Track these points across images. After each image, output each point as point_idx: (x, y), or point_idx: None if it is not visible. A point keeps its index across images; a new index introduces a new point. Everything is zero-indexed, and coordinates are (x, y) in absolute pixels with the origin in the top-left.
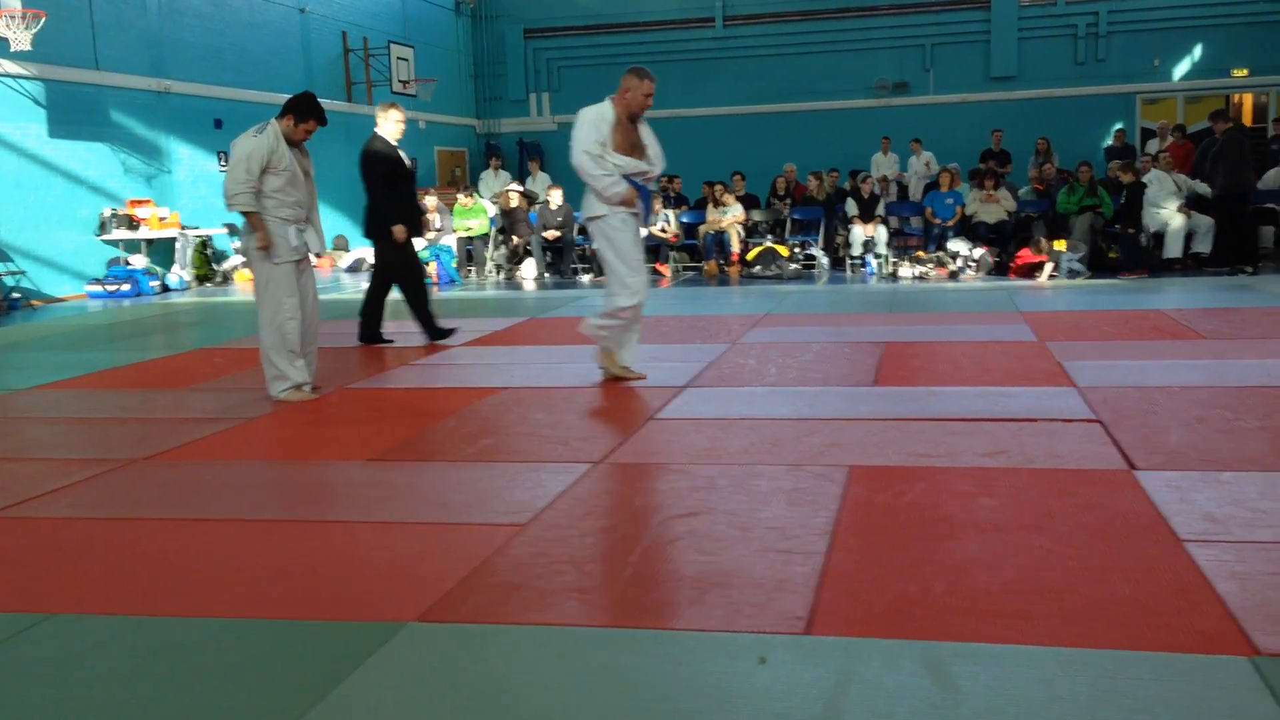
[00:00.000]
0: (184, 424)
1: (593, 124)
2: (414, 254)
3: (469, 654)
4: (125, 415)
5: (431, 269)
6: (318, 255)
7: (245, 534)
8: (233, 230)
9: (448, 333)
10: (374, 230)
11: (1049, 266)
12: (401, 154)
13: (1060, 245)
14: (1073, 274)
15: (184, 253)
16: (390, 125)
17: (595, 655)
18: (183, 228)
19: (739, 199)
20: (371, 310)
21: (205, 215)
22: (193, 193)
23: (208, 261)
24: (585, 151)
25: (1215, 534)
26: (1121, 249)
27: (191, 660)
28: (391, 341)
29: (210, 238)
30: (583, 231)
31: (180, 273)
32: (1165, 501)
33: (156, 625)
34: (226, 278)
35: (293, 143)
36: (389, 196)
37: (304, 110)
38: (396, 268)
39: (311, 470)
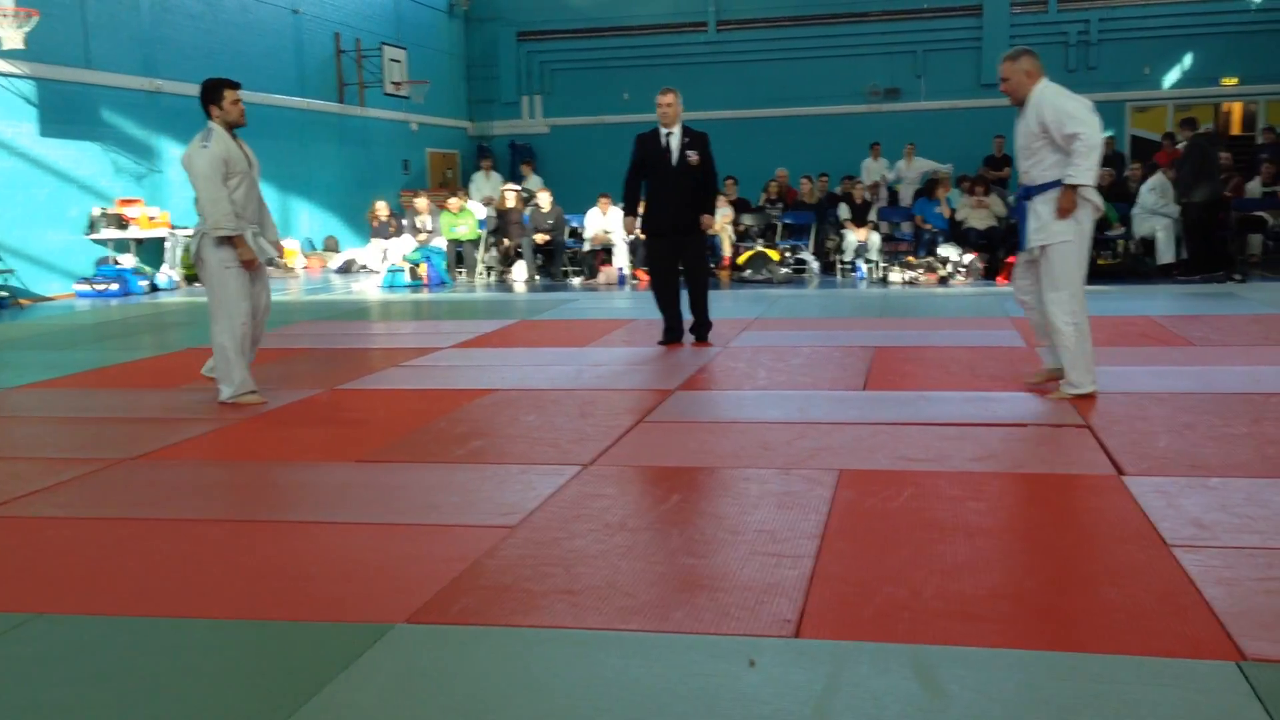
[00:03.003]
0: (172, 424)
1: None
2: (656, 250)
3: (458, 656)
4: (113, 415)
5: (422, 270)
6: (270, 262)
7: (233, 535)
8: None
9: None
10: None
11: None
12: (668, 143)
13: None
14: None
15: (173, 252)
16: (659, 111)
17: (584, 657)
18: (172, 227)
19: (730, 203)
20: (689, 303)
21: (195, 215)
22: (183, 192)
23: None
24: None
25: (1203, 539)
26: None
27: (177, 661)
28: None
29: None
30: (573, 234)
31: (169, 272)
32: (1153, 507)
33: (142, 626)
34: None
35: (232, 127)
36: (633, 187)
37: (216, 88)
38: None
39: (300, 471)
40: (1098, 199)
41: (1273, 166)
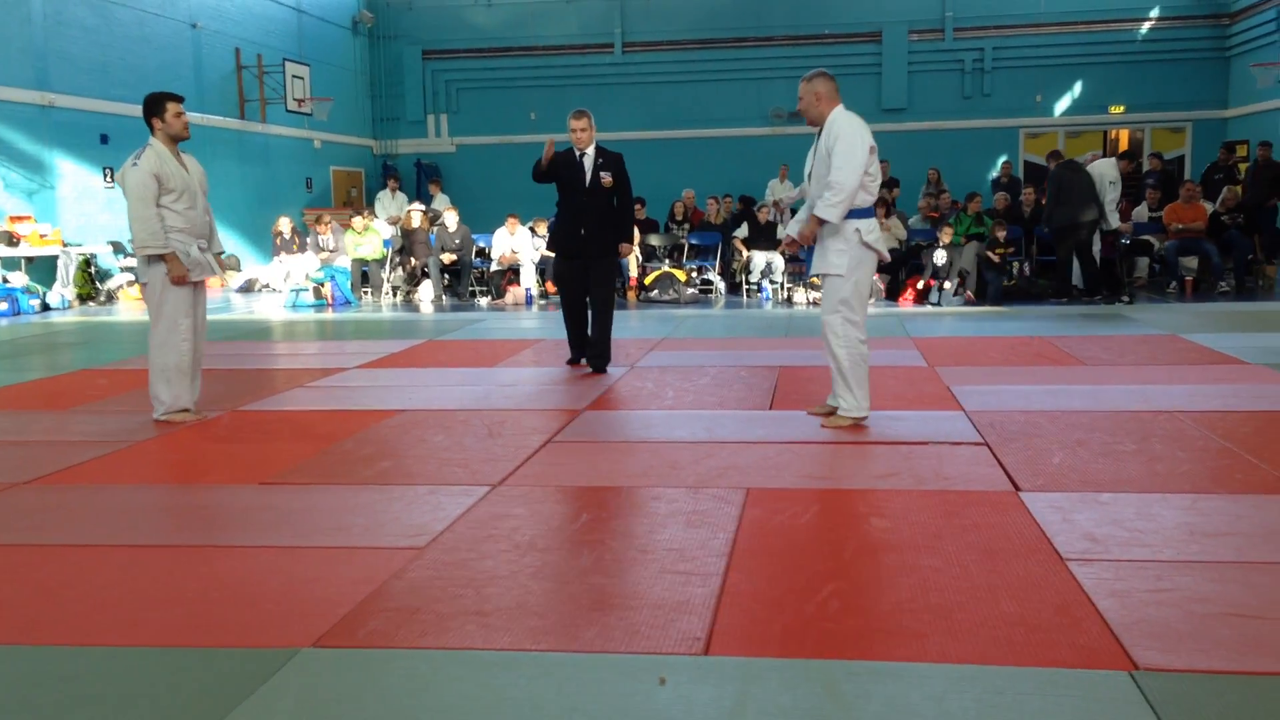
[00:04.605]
0: (66, 447)
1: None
2: (566, 272)
3: (365, 679)
4: (3, 438)
5: (326, 290)
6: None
7: (131, 560)
8: (118, 248)
9: (583, 359)
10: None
11: (949, 285)
12: (582, 163)
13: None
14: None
15: (66, 271)
16: (572, 135)
17: (494, 679)
18: (65, 245)
19: (638, 223)
20: (590, 330)
21: (89, 232)
22: (76, 209)
23: (91, 280)
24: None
25: (1096, 553)
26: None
27: (74, 690)
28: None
29: (94, 255)
30: (480, 254)
31: (62, 291)
32: (1048, 522)
33: (37, 654)
34: (110, 297)
35: (176, 140)
36: (558, 208)
37: (158, 101)
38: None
39: (201, 494)
40: (882, 248)
41: (1158, 192)
